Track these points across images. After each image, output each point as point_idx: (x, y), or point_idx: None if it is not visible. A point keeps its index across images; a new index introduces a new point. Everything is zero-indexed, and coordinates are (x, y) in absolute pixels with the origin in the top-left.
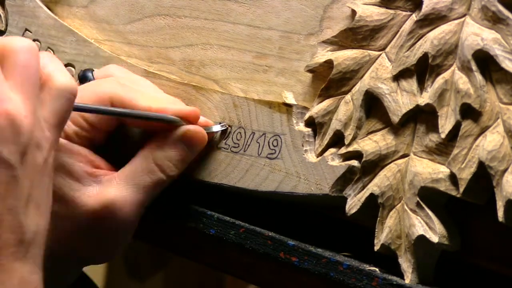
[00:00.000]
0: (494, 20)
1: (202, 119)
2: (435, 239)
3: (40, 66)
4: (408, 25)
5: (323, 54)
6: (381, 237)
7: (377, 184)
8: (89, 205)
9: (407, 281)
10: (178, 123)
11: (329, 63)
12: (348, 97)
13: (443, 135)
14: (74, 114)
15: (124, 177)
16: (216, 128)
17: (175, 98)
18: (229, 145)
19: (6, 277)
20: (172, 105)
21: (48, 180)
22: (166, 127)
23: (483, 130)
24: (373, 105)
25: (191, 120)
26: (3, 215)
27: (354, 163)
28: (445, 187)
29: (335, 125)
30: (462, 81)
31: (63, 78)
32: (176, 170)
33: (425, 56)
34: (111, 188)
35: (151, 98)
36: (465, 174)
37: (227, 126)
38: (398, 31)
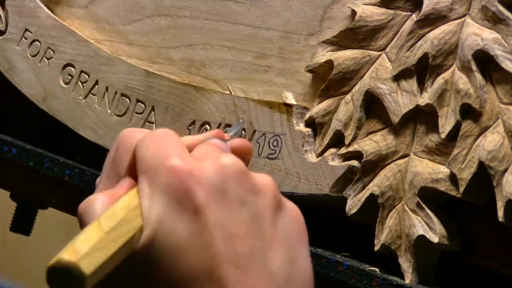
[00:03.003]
0: (494, 20)
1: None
2: (435, 239)
3: None
4: (408, 25)
5: (323, 54)
6: (381, 237)
7: (377, 184)
8: None
9: (407, 281)
10: None
11: (329, 63)
12: (348, 97)
13: (443, 135)
14: None
15: None
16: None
17: None
18: None
19: None
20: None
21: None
22: None
23: (483, 130)
24: (373, 105)
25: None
26: (244, 255)
27: (354, 163)
28: (445, 187)
29: (335, 125)
30: (462, 81)
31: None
32: None
33: (425, 56)
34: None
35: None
36: (465, 174)
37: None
38: (398, 31)
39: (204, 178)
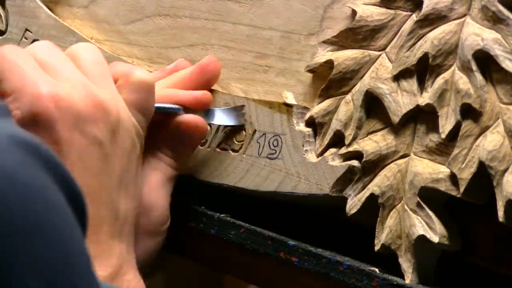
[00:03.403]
0: (494, 20)
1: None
2: (435, 239)
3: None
4: (408, 25)
5: (323, 54)
6: (382, 237)
7: (378, 184)
8: None
9: (407, 281)
10: (181, 112)
11: (329, 63)
12: (348, 97)
13: (443, 135)
14: None
15: (145, 173)
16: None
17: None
18: (229, 146)
19: (105, 254)
20: (178, 92)
21: (136, 167)
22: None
23: (483, 130)
24: (373, 105)
25: (202, 104)
26: (98, 191)
27: (354, 163)
28: (445, 187)
29: (335, 125)
30: (462, 81)
31: (140, 73)
32: (181, 156)
33: (425, 56)
34: None
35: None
36: (465, 174)
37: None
38: (398, 31)
39: (71, 111)
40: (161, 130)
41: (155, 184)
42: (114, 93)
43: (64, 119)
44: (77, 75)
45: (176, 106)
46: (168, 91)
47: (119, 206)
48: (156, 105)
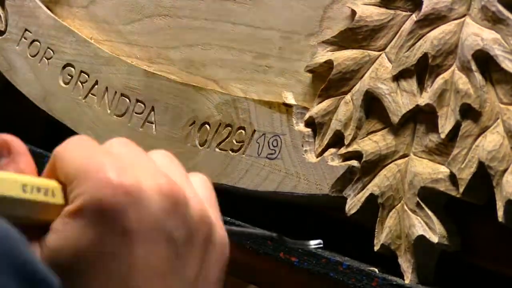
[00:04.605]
0: (494, 20)
1: None
2: (435, 239)
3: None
4: (408, 25)
5: (323, 55)
6: (381, 237)
7: (377, 184)
8: None
9: (407, 281)
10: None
11: (329, 63)
12: (348, 97)
13: (443, 135)
14: None
15: None
16: (313, 242)
17: None
18: (229, 146)
19: None
20: None
21: (218, 274)
22: None
23: (483, 130)
24: (373, 105)
25: None
26: None
27: (354, 163)
28: (445, 187)
29: (335, 125)
30: (462, 81)
31: (198, 174)
32: None
33: (425, 56)
34: None
35: None
36: (465, 174)
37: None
38: (398, 31)
39: (143, 201)
40: None
41: None
42: (195, 192)
43: (134, 207)
44: (151, 166)
45: (271, 234)
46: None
47: None
48: (251, 231)
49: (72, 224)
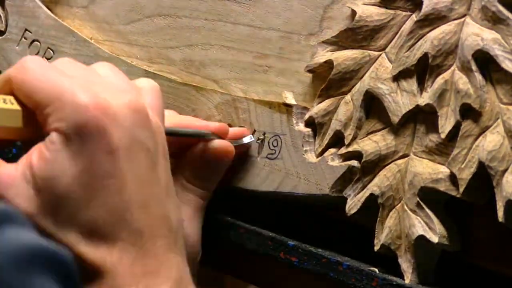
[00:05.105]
0: (494, 20)
1: (236, 130)
2: (435, 239)
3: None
4: (408, 25)
5: (323, 54)
6: (381, 237)
7: (377, 184)
8: None
9: (407, 281)
10: (209, 137)
11: (329, 63)
12: (348, 97)
13: (443, 135)
14: None
15: None
16: (246, 139)
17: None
18: None
19: (164, 267)
20: (199, 122)
21: (170, 174)
22: (194, 142)
23: (483, 130)
24: (373, 105)
25: (221, 134)
26: (152, 203)
27: (354, 163)
28: (445, 187)
29: (335, 125)
30: (462, 81)
31: (147, 81)
32: (209, 184)
33: (425, 56)
34: None
35: (175, 117)
36: (465, 174)
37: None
38: (398, 31)
39: (118, 119)
40: (187, 158)
41: (186, 218)
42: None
43: (114, 126)
44: (109, 84)
45: (207, 132)
46: (190, 118)
47: (170, 217)
48: (186, 130)
49: (63, 152)
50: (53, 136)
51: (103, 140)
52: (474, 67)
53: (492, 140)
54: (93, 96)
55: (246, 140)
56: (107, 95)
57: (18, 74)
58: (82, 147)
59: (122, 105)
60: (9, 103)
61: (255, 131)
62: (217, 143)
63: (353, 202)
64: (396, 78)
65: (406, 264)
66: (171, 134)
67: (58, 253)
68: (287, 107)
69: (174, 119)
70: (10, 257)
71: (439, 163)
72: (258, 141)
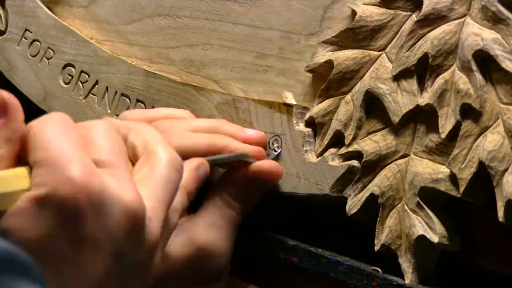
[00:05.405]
0: (494, 20)
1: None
2: (435, 239)
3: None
4: (408, 25)
5: (323, 54)
6: (381, 237)
7: (377, 184)
8: (184, 252)
9: (407, 281)
10: (250, 160)
11: (329, 63)
12: (348, 97)
13: (443, 135)
14: None
15: (208, 219)
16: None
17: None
18: None
19: None
20: (234, 143)
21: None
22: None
23: (483, 130)
24: (373, 105)
25: (259, 157)
26: None
27: (354, 163)
28: (445, 187)
29: (335, 125)
30: (462, 81)
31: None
32: (247, 205)
33: (425, 56)
34: (197, 232)
35: (207, 137)
36: (465, 174)
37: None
38: (398, 31)
39: (103, 211)
40: (233, 176)
41: (219, 233)
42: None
43: (93, 216)
44: (124, 170)
45: (246, 155)
46: (221, 139)
47: None
48: (228, 156)
49: (34, 211)
50: (33, 193)
51: (76, 223)
52: (474, 67)
53: (492, 140)
54: (90, 175)
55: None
56: (109, 181)
57: (35, 127)
58: (55, 217)
59: (117, 199)
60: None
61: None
62: (267, 165)
63: (353, 202)
64: (396, 78)
65: (406, 264)
66: (214, 165)
67: (23, 256)
68: (287, 107)
69: (207, 139)
70: None
71: (439, 163)
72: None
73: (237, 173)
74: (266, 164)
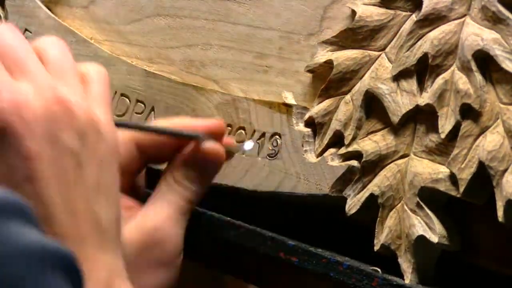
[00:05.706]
0: (494, 20)
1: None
2: (435, 239)
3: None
4: (408, 25)
5: (323, 54)
6: (381, 237)
7: (377, 184)
8: (134, 238)
9: (407, 281)
10: (201, 138)
11: (329, 63)
12: (348, 97)
13: (443, 135)
14: None
15: (157, 204)
16: (247, 146)
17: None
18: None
19: (93, 268)
20: (195, 122)
21: (115, 171)
22: (185, 143)
23: (483, 130)
24: (373, 105)
25: (216, 134)
26: (76, 203)
27: (354, 163)
28: (445, 187)
29: (335, 125)
30: (462, 81)
31: (94, 66)
32: (197, 188)
33: (425, 56)
34: (146, 217)
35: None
36: (465, 174)
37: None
38: (398, 31)
39: (36, 122)
40: (177, 159)
41: (168, 218)
42: (78, 90)
43: (32, 131)
44: (43, 74)
45: (197, 133)
46: (185, 119)
47: (100, 216)
48: (173, 129)
49: None
50: None
51: (19, 145)
52: (474, 67)
53: (492, 140)
54: (13, 96)
55: (247, 147)
56: (31, 92)
57: None
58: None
59: (46, 104)
60: None
61: (254, 131)
62: (207, 145)
63: (353, 202)
64: (396, 78)
65: (406, 264)
66: (155, 131)
67: (68, 254)
68: (287, 107)
69: (171, 120)
70: (19, 252)
71: (439, 163)
72: (258, 142)
73: (180, 156)
74: (207, 144)
